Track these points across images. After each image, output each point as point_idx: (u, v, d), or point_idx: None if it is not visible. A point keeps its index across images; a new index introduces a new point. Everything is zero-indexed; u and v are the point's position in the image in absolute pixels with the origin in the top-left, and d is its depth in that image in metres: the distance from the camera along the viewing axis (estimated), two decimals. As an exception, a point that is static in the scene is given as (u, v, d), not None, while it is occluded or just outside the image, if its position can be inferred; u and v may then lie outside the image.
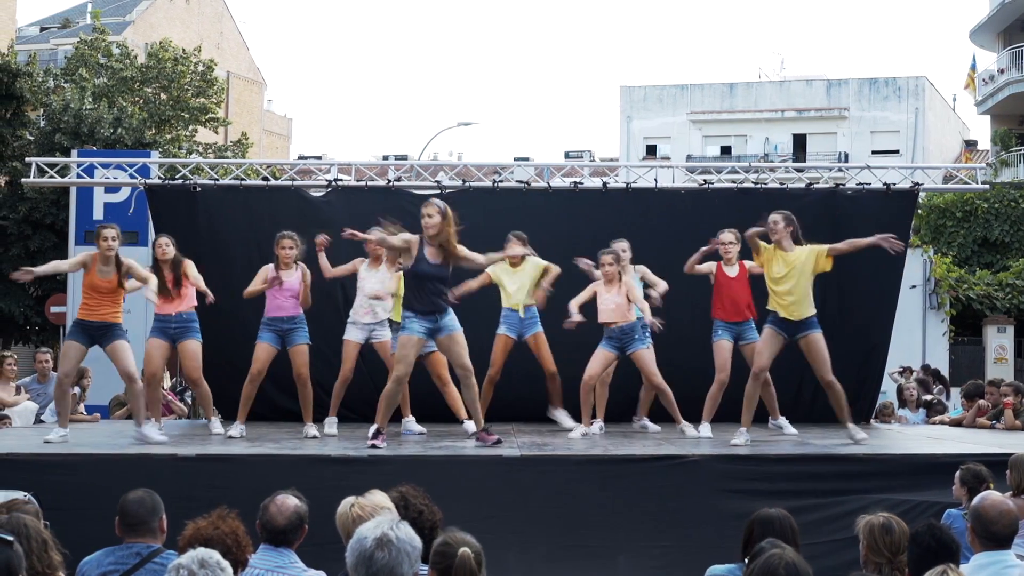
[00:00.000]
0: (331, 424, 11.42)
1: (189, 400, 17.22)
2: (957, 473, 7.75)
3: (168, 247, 11.19)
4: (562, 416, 11.89)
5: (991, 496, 5.96)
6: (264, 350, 11.14)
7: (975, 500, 5.99)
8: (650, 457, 9.62)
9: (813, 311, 10.64)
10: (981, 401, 13.31)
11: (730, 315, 11.41)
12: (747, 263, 11.43)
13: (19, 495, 6.85)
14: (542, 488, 9.20)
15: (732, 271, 11.51)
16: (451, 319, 10.09)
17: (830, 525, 8.92)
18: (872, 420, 13.34)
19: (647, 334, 11.46)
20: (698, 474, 9.32)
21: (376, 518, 4.32)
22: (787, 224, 10.65)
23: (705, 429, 11.24)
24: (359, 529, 4.19)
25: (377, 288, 11.39)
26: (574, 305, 11.12)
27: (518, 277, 11.76)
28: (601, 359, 11.34)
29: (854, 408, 13.05)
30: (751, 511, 6.02)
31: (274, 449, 9.93)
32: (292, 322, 11.15)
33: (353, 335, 11.51)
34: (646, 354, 11.32)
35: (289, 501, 5.53)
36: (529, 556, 8.87)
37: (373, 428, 10.09)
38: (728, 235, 11.47)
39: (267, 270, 11.18)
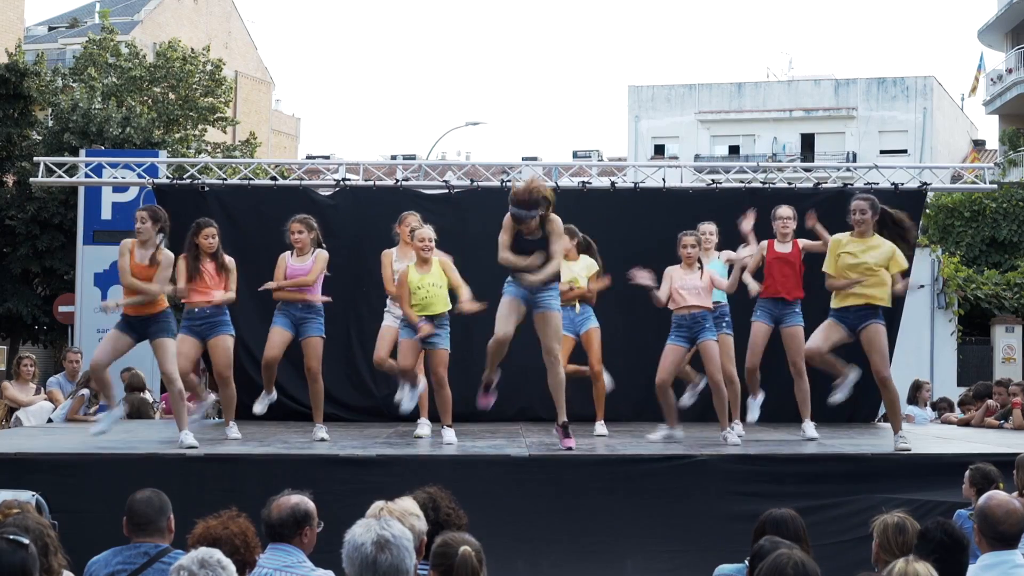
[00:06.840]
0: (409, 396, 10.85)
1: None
2: (967, 473, 7.75)
3: (214, 238, 10.61)
4: (601, 429, 11.37)
5: (997, 496, 5.95)
6: (278, 333, 10.65)
7: (981, 500, 5.99)
8: (658, 457, 9.59)
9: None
10: (990, 401, 13.32)
11: (775, 293, 10.76)
12: (801, 241, 10.85)
13: (26, 495, 6.87)
14: (550, 489, 9.17)
15: (785, 247, 10.84)
16: (551, 296, 9.76)
17: (839, 525, 8.91)
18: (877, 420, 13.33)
19: (724, 323, 11.02)
20: (706, 474, 9.28)
21: (362, 520, 4.29)
22: (874, 213, 9.83)
23: (737, 428, 10.78)
24: (351, 537, 4.15)
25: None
26: (644, 274, 10.58)
27: (574, 270, 11.29)
28: (672, 356, 10.59)
29: (860, 410, 13.02)
30: (760, 511, 6.01)
31: (283, 449, 9.90)
32: (307, 310, 10.64)
33: (391, 322, 11.22)
34: (714, 346, 10.55)
35: (292, 498, 5.51)
36: (536, 558, 8.87)
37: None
38: (786, 209, 10.95)
39: (284, 258, 10.75)
